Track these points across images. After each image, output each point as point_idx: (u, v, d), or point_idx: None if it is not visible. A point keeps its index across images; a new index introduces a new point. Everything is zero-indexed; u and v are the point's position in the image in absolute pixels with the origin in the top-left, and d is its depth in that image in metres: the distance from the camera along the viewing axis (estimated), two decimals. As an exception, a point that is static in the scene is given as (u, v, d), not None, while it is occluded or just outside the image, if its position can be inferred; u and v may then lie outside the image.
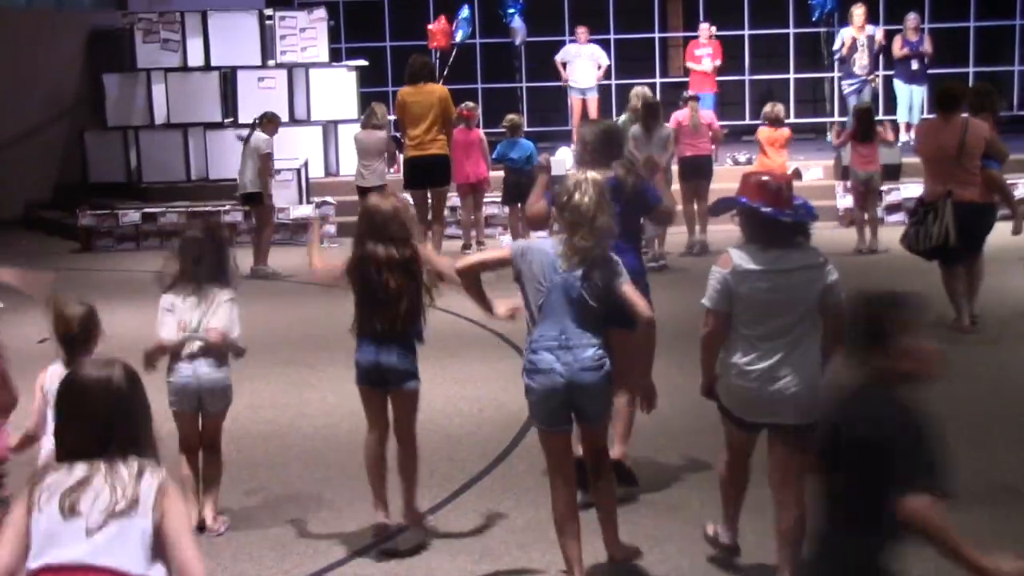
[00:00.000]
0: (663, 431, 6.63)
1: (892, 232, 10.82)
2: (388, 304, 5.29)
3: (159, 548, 3.09)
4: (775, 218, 4.62)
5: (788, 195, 4.70)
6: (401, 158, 12.68)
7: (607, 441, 5.14)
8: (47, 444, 5.01)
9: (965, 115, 8.97)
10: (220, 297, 5.64)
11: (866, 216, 12.68)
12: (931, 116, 10.20)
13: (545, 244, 4.89)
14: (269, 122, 12.79)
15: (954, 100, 8.99)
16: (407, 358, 5.38)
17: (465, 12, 18.35)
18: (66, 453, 3.19)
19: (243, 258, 9.15)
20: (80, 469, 3.13)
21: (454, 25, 18.16)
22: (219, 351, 5.61)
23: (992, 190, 8.95)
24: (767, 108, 13.32)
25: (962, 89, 9.37)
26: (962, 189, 8.75)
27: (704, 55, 17.45)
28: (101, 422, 3.16)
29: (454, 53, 18.20)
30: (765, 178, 4.81)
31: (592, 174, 4.90)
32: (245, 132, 13.29)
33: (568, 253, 4.75)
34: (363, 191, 12.11)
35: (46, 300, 5.43)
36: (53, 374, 5.21)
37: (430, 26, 18.28)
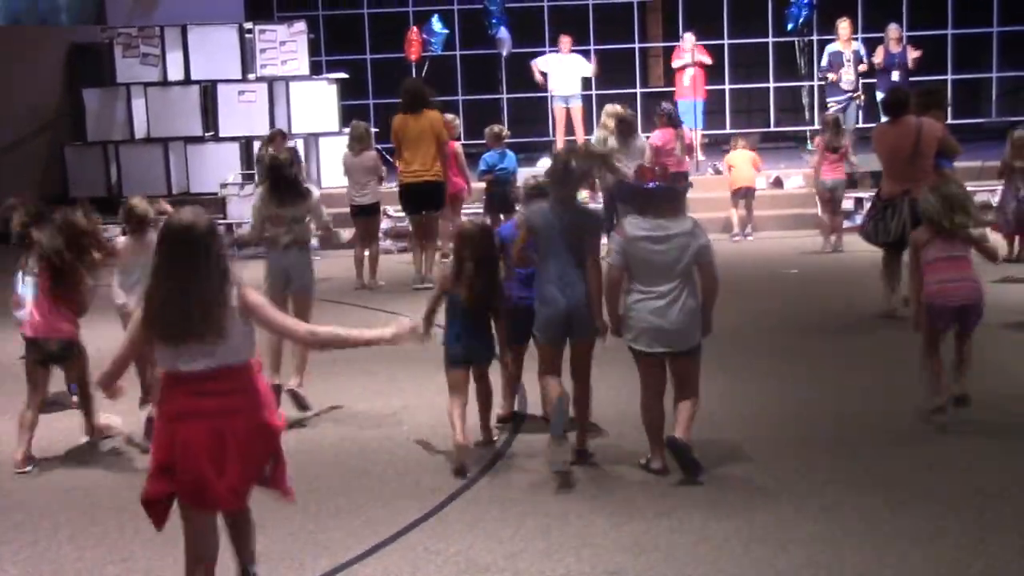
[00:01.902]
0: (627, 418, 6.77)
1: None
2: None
3: (251, 338, 4.40)
4: (645, 188, 6.23)
5: (661, 174, 6.57)
6: (395, 180, 12.79)
7: (590, 358, 6.44)
8: (121, 297, 7.52)
9: (916, 117, 9.47)
10: (314, 198, 7.88)
11: (832, 220, 13.38)
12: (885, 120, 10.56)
13: (544, 205, 6.41)
14: (281, 137, 14.41)
15: (901, 104, 9.65)
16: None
17: (436, 24, 18.32)
18: (173, 282, 4.19)
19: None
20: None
21: (425, 36, 18.11)
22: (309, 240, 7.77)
23: None
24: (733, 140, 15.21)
25: (906, 93, 9.99)
26: (919, 187, 9.10)
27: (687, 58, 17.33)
28: (205, 253, 4.19)
29: (427, 65, 18.17)
30: (648, 166, 6.88)
31: (572, 148, 6.68)
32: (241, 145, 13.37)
33: (558, 207, 6.30)
34: (360, 209, 12.53)
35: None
36: (124, 246, 7.55)
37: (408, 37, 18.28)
